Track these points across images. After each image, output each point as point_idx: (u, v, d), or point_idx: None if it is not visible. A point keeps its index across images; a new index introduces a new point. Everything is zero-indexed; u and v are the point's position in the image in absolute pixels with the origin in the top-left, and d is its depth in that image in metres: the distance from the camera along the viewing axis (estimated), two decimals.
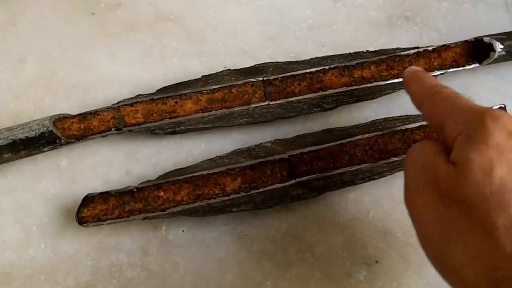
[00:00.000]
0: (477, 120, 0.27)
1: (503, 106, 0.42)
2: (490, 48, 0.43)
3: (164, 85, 0.42)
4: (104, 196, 0.38)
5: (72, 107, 0.43)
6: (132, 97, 0.41)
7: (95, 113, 0.40)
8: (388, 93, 0.43)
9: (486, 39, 0.43)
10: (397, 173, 0.40)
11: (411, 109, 0.43)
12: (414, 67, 0.36)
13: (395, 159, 0.39)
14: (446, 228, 0.26)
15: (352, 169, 0.39)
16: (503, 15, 0.50)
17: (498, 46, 0.43)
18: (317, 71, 0.43)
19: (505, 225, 0.23)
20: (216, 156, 0.40)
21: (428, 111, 0.31)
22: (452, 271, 0.26)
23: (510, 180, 0.24)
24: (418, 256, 0.39)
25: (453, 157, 0.27)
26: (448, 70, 0.43)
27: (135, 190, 0.38)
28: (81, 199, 0.37)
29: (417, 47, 0.44)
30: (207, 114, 0.41)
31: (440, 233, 0.26)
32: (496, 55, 0.43)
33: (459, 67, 0.44)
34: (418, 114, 0.42)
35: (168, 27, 0.47)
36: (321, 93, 0.42)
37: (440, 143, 0.30)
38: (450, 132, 0.28)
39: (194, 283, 0.38)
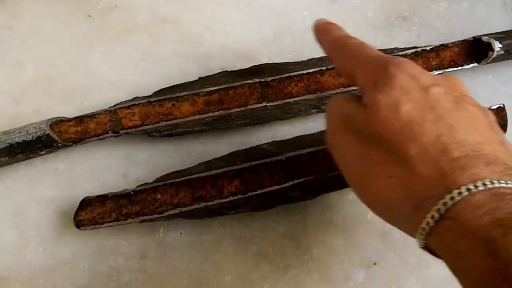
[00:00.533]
0: (381, 68, 0.29)
1: (501, 105, 0.41)
2: (489, 47, 0.43)
3: (161, 88, 0.42)
4: (102, 199, 0.37)
5: (69, 110, 0.43)
6: (129, 100, 0.41)
7: (92, 116, 0.40)
8: None
9: (484, 39, 0.43)
10: None
11: None
12: (324, 19, 0.37)
13: None
14: (366, 162, 0.28)
15: None
16: (501, 14, 0.49)
17: (497, 45, 0.43)
18: (314, 72, 0.42)
19: (418, 153, 0.26)
20: (214, 159, 0.40)
21: (339, 63, 0.34)
22: (377, 200, 0.28)
23: (416, 115, 0.27)
24: (417, 258, 0.39)
25: (364, 101, 0.29)
26: (447, 70, 0.43)
27: (132, 193, 0.38)
28: (79, 202, 0.37)
29: (415, 47, 0.44)
30: (204, 116, 0.40)
31: (361, 167, 0.29)
32: (494, 55, 0.43)
33: (457, 66, 0.43)
34: None
35: (165, 29, 0.47)
36: (318, 94, 0.42)
37: (352, 93, 0.34)
38: (360, 81, 0.31)
39: (192, 286, 0.38)
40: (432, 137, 0.26)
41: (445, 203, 0.24)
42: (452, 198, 0.24)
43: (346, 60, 0.33)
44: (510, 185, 0.23)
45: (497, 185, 0.23)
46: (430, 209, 0.24)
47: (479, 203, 0.23)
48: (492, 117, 0.29)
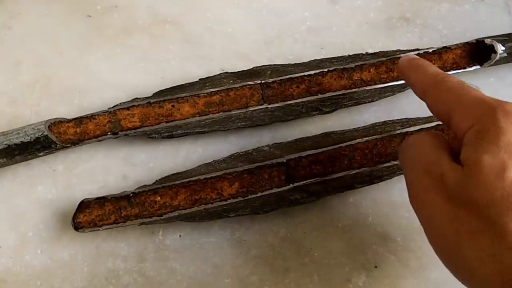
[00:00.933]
0: (488, 115, 0.26)
1: None
2: (491, 49, 0.43)
3: (161, 89, 0.42)
4: (101, 201, 0.37)
5: (68, 111, 0.42)
6: (129, 101, 0.41)
7: (91, 117, 0.40)
8: (387, 96, 0.43)
9: (487, 41, 0.43)
10: (396, 177, 0.40)
11: (411, 112, 0.43)
12: (410, 55, 0.35)
13: (394, 162, 0.39)
14: (457, 229, 0.25)
15: (351, 173, 0.39)
16: (504, 17, 0.49)
17: (500, 48, 0.43)
18: (315, 73, 0.42)
19: None
20: (214, 161, 0.40)
21: (433, 101, 0.30)
22: (465, 271, 0.26)
23: None
24: (418, 261, 0.38)
25: (463, 156, 0.26)
26: (449, 72, 0.43)
27: (131, 195, 0.37)
28: (77, 204, 0.37)
29: (417, 49, 0.44)
30: (204, 117, 0.40)
31: (451, 233, 0.26)
32: (497, 57, 0.43)
33: (459, 69, 0.43)
34: (418, 117, 0.42)
35: (165, 30, 0.47)
36: (319, 96, 0.41)
37: (439, 135, 0.30)
38: (458, 126, 0.27)
39: None
40: None
41: None
42: None
43: (443, 99, 0.29)
44: None
45: None
46: None
47: None
48: None
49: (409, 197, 0.29)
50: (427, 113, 0.42)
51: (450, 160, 0.27)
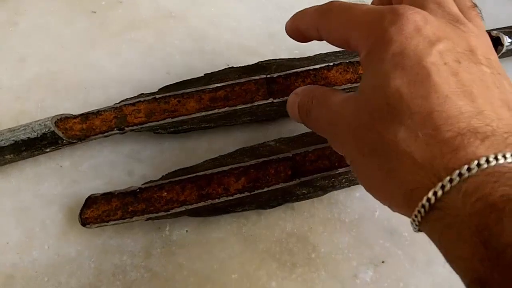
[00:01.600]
0: (376, 28, 0.25)
1: None
2: (498, 42, 0.42)
3: (167, 84, 0.42)
4: (107, 197, 0.37)
5: (74, 107, 0.42)
6: (134, 97, 0.41)
7: (97, 113, 0.40)
8: None
9: (493, 33, 0.43)
10: None
11: None
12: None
13: None
14: (364, 151, 0.26)
15: None
16: (510, 9, 0.49)
17: (506, 40, 0.42)
18: (321, 67, 0.42)
19: (405, 139, 0.24)
20: (220, 156, 0.40)
21: (327, 30, 0.29)
22: (374, 190, 0.27)
23: (406, 90, 0.24)
24: (425, 256, 0.38)
25: (360, 86, 0.27)
26: None
27: (138, 190, 0.37)
28: (84, 200, 0.37)
29: None
30: (210, 112, 0.40)
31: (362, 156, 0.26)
32: (504, 49, 0.42)
33: None
34: None
35: (170, 25, 0.47)
36: None
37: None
38: (357, 44, 0.27)
39: (198, 284, 0.38)
40: (422, 117, 0.23)
41: (435, 193, 0.22)
42: (442, 186, 0.22)
43: (335, 26, 0.29)
44: (508, 160, 0.21)
45: (493, 163, 0.21)
46: (421, 199, 0.23)
47: (471, 188, 0.21)
48: (501, 69, 0.26)
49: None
50: None
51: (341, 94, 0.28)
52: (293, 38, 0.34)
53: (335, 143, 0.30)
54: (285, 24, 0.34)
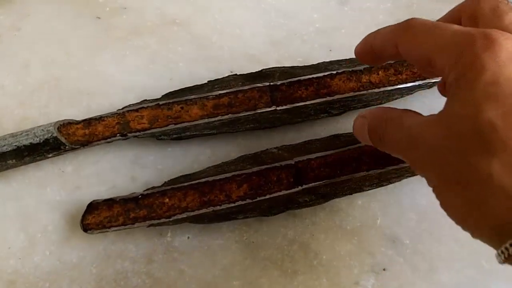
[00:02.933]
0: (466, 53, 0.24)
1: None
2: None
3: (170, 90, 0.42)
4: (109, 203, 0.37)
5: (77, 113, 0.43)
6: (138, 103, 0.41)
7: (100, 118, 0.40)
8: (396, 98, 0.43)
9: None
10: (405, 180, 0.39)
11: None
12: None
13: (403, 165, 0.39)
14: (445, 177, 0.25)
15: (360, 175, 0.39)
16: None
17: None
18: (324, 76, 0.42)
19: (499, 170, 0.22)
20: (222, 162, 0.40)
21: (408, 48, 0.28)
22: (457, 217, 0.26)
23: (501, 123, 0.22)
24: (427, 263, 0.38)
25: (445, 110, 0.25)
26: None
27: (140, 196, 0.37)
28: (86, 205, 0.37)
29: None
30: (213, 119, 0.40)
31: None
32: None
33: None
34: None
35: (174, 31, 0.47)
36: (328, 98, 0.41)
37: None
38: (442, 70, 0.26)
39: None
40: None
41: None
42: None
43: (418, 46, 0.27)
44: None
45: None
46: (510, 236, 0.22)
47: None
48: None
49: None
50: None
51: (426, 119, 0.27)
52: (363, 60, 0.34)
53: (415, 166, 0.28)
54: (354, 48, 0.34)
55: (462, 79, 0.24)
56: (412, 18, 0.28)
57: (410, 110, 0.29)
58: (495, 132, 0.22)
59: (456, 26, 0.26)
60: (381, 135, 0.31)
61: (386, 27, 0.31)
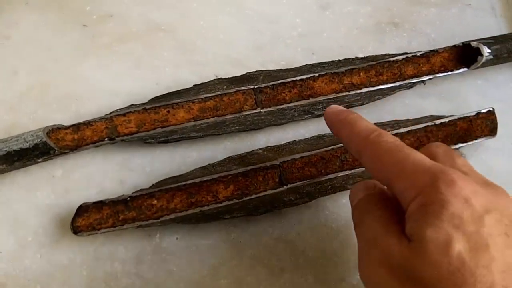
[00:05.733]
0: (430, 186, 0.25)
1: (491, 109, 0.42)
2: (478, 52, 0.44)
3: (156, 95, 0.43)
4: (98, 205, 0.38)
5: (66, 118, 0.43)
6: (125, 107, 0.42)
7: (88, 123, 0.41)
8: (377, 99, 0.43)
9: (473, 44, 0.44)
10: None
11: (400, 114, 0.44)
12: (335, 107, 0.34)
13: None
14: None
15: (344, 174, 0.40)
16: (490, 20, 0.50)
17: (486, 51, 0.44)
18: (307, 78, 0.43)
19: None
20: (209, 164, 0.41)
21: (370, 165, 0.29)
22: None
23: (469, 257, 0.23)
24: None
25: (408, 231, 0.25)
26: (437, 75, 0.44)
27: (128, 199, 0.38)
28: (76, 208, 0.38)
29: (406, 53, 0.45)
30: (199, 122, 0.41)
31: None
32: (483, 59, 0.44)
33: (447, 71, 0.44)
34: (408, 119, 0.43)
35: (159, 37, 0.47)
36: (311, 100, 0.42)
37: (387, 200, 0.29)
38: (401, 195, 0.26)
39: None
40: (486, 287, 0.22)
41: None
42: None
43: (381, 164, 0.28)
44: None
45: None
46: None
47: None
48: None
49: (358, 267, 0.28)
50: (416, 115, 0.43)
51: (398, 233, 0.26)
52: (328, 124, 0.34)
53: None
54: (325, 111, 0.34)
55: (426, 206, 0.25)
56: (379, 134, 0.29)
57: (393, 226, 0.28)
58: (464, 265, 0.23)
59: (416, 156, 0.27)
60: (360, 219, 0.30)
61: (360, 124, 0.31)
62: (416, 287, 0.24)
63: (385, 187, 0.31)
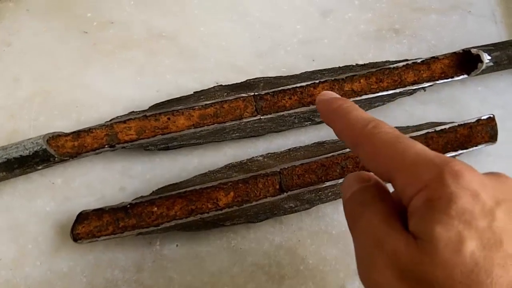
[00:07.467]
0: (436, 180, 0.23)
1: (491, 116, 0.42)
2: (478, 59, 0.44)
3: (157, 102, 0.43)
4: (98, 212, 0.38)
5: (66, 125, 0.43)
6: (125, 114, 0.42)
7: (88, 130, 0.41)
8: (378, 106, 0.44)
9: (473, 51, 0.44)
10: (388, 184, 0.40)
11: (400, 121, 0.44)
12: (327, 93, 0.31)
13: None
14: None
15: None
16: (490, 27, 0.50)
17: (486, 57, 0.44)
18: (307, 85, 0.43)
19: None
20: (209, 171, 0.41)
21: (367, 159, 0.26)
22: None
23: (482, 256, 0.21)
24: None
25: (414, 229, 0.23)
26: (437, 82, 0.44)
27: (128, 206, 0.38)
28: (76, 216, 0.38)
29: (406, 60, 0.45)
30: (199, 129, 0.41)
31: None
32: (484, 66, 0.44)
33: (448, 78, 0.44)
34: (408, 126, 0.43)
35: (160, 44, 0.48)
36: (311, 106, 0.42)
37: (385, 195, 0.26)
38: (403, 189, 0.24)
39: None
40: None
41: None
42: None
43: (380, 157, 0.25)
44: None
45: None
46: None
47: None
48: None
49: (359, 273, 0.26)
50: (417, 121, 0.43)
51: (402, 231, 0.24)
52: (321, 112, 0.31)
53: None
54: (317, 99, 0.32)
55: (431, 201, 0.23)
56: (376, 125, 0.27)
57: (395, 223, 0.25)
58: (477, 265, 0.21)
59: (418, 148, 0.25)
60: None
61: (354, 114, 0.28)
62: None
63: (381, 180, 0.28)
